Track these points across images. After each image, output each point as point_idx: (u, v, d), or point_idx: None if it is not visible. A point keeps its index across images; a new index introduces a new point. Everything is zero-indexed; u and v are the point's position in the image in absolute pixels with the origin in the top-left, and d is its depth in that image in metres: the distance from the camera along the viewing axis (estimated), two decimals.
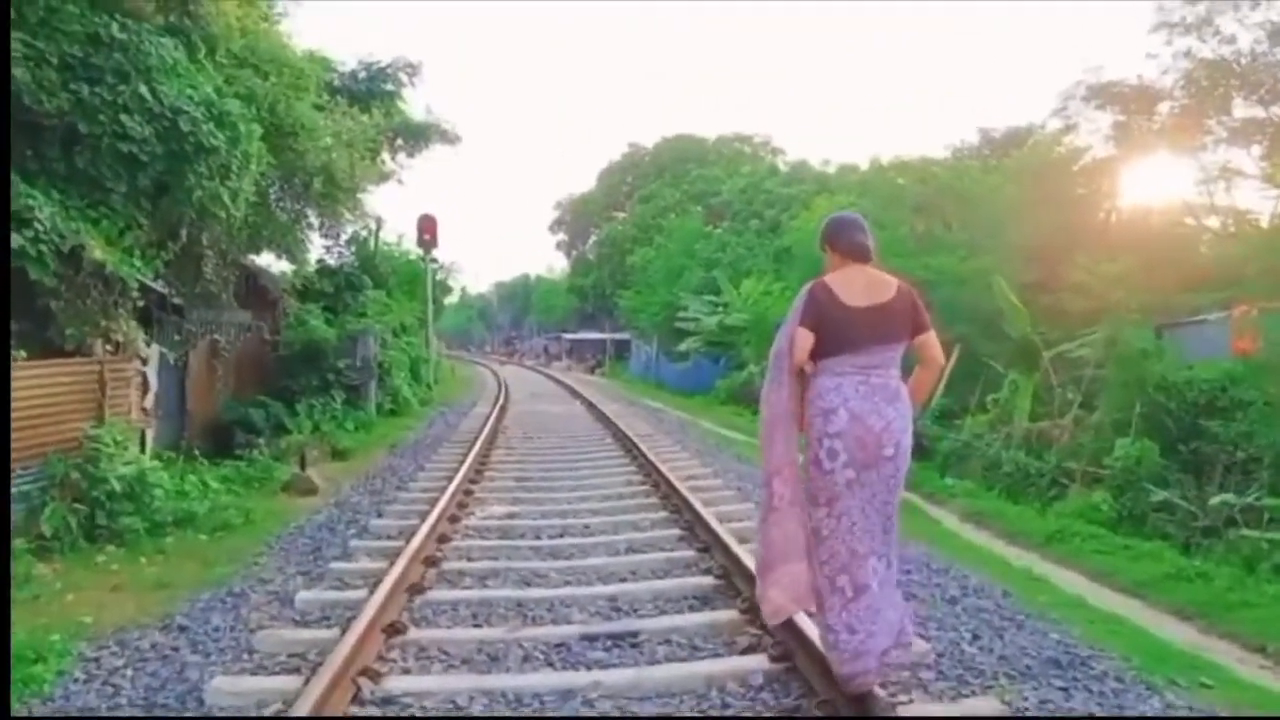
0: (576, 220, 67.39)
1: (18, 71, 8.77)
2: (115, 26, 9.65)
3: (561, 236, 70.77)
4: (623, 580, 6.05)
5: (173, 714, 4.03)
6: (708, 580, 5.81)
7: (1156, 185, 24.38)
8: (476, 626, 5.10)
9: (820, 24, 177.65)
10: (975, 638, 4.81)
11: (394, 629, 4.78)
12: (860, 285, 3.84)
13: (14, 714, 4.10)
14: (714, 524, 6.84)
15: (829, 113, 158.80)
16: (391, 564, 5.87)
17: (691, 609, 5.37)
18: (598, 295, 57.80)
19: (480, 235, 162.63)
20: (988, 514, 10.02)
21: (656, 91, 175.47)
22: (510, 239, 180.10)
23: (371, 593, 5.22)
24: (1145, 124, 25.73)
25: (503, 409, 19.58)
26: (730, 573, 5.72)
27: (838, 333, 3.76)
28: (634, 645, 4.73)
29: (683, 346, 33.51)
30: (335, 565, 6.47)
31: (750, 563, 5.44)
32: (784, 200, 40.73)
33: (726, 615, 5.06)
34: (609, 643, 4.75)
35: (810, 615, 4.14)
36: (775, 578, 3.91)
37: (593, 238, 64.90)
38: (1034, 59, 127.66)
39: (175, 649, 4.84)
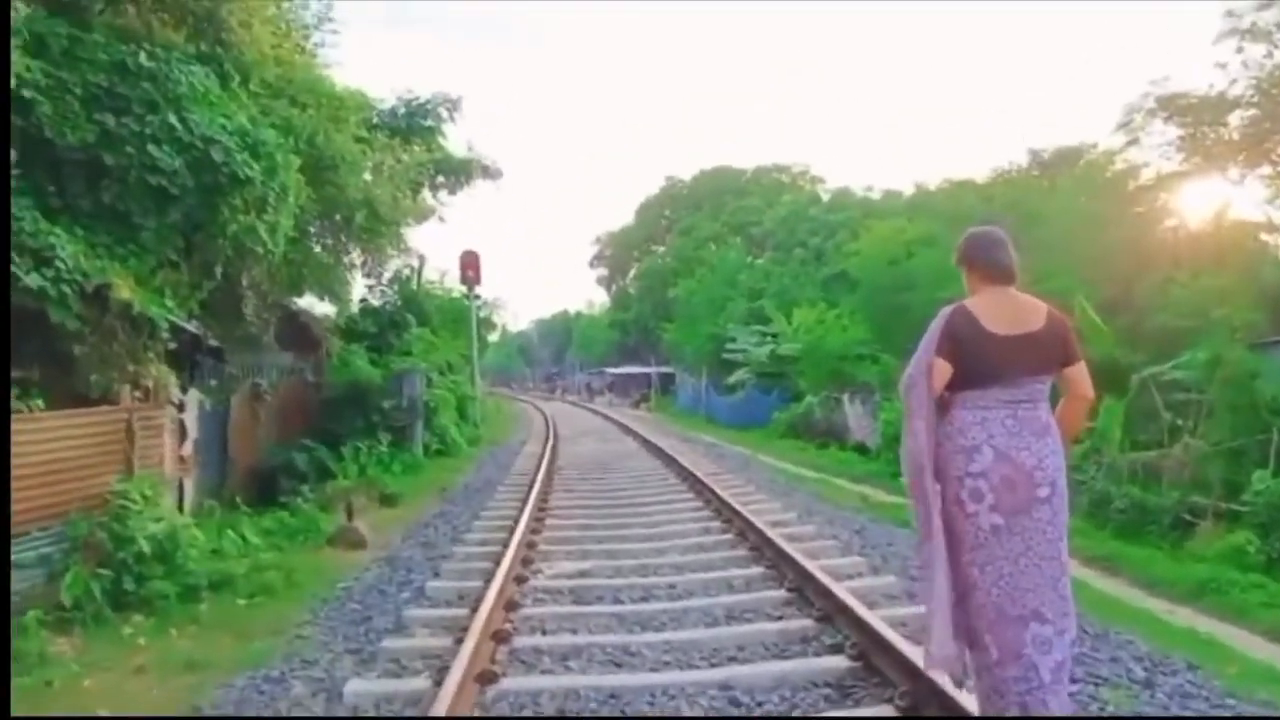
0: (616, 255, 66.99)
1: (40, 103, 8.18)
2: (143, 55, 9.14)
3: (601, 271, 70.49)
4: (732, 659, 5.05)
5: None
6: (839, 662, 4.77)
7: (1226, 200, 23.24)
8: None
9: (859, 52, 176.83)
10: None
11: None
12: (1007, 311, 3.46)
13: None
14: (827, 582, 5.84)
15: (868, 141, 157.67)
16: (457, 643, 4.95)
17: (829, 702, 4.35)
18: (640, 329, 57.09)
19: (520, 272, 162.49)
20: (1112, 558, 8.86)
21: (692, 125, 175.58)
22: (550, 275, 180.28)
23: (438, 685, 4.29)
24: (1214, 135, 24.56)
25: (554, 448, 18.69)
26: (868, 652, 4.69)
27: (981, 363, 3.38)
28: None
29: (732, 379, 32.53)
30: (388, 643, 5.52)
31: (890, 636, 4.54)
32: (829, 227, 39.82)
33: (879, 714, 4.04)
34: None
35: None
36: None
37: (633, 272, 64.36)
38: (1087, 77, 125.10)
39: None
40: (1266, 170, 22.11)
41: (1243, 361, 12.85)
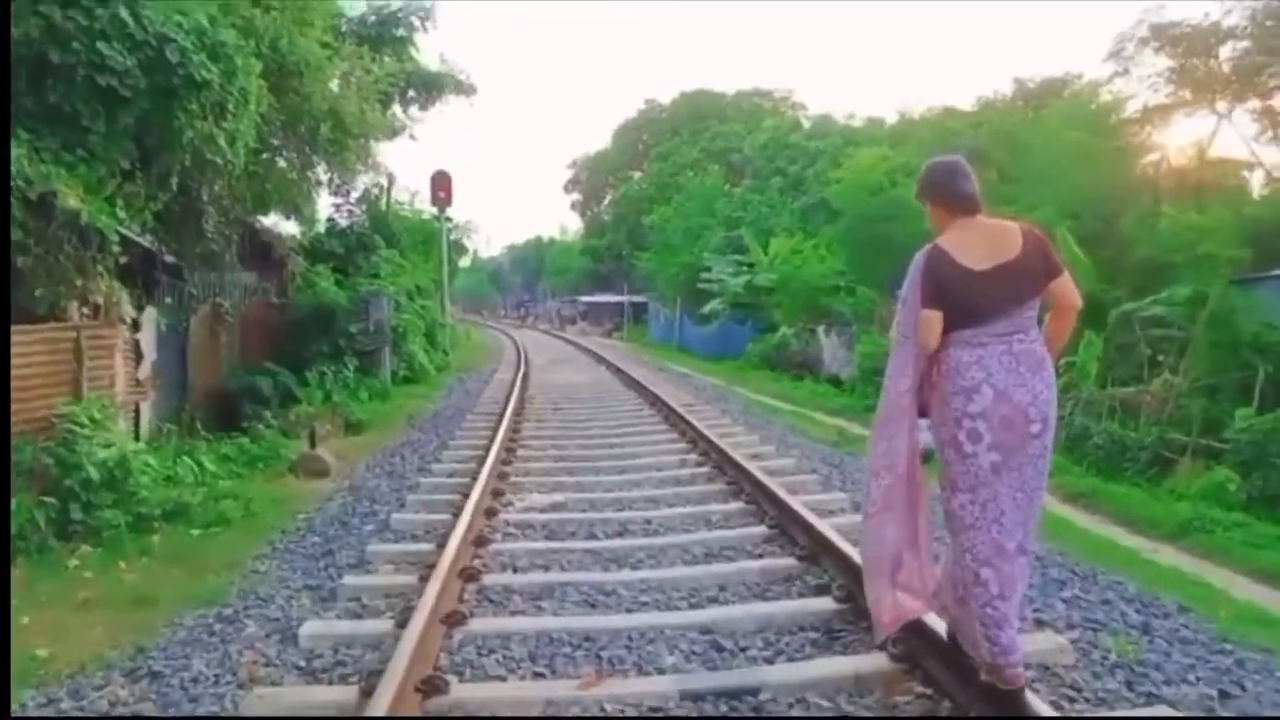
0: (591, 180, 65.73)
1: None
2: None
3: (576, 197, 69.17)
4: (713, 600, 4.80)
5: None
6: (826, 604, 4.54)
7: (1209, 135, 23.00)
8: (539, 675, 3.88)
9: None
10: (1224, 695, 3.57)
11: (432, 686, 3.57)
12: (980, 243, 3.34)
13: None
14: (811, 520, 5.60)
15: (851, 67, 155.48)
16: (423, 581, 4.67)
17: (817, 647, 4.11)
18: (613, 257, 56.34)
19: (493, 196, 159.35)
20: (1092, 495, 8.74)
21: (673, 47, 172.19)
22: (523, 200, 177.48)
23: (401, 627, 4.01)
24: (1204, 67, 24.21)
25: (525, 376, 18.37)
26: (856, 595, 4.45)
27: (969, 303, 3.29)
28: (756, 712, 3.49)
29: (707, 309, 32.18)
30: (350, 580, 5.22)
31: None
32: (809, 155, 39.05)
33: (872, 662, 3.81)
34: (723, 706, 3.52)
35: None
36: (878, 584, 3.48)
37: (608, 198, 63.28)
38: (1080, 4, 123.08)
39: (139, 713, 3.63)
40: (1254, 104, 21.83)
41: (1226, 298, 12.69)
